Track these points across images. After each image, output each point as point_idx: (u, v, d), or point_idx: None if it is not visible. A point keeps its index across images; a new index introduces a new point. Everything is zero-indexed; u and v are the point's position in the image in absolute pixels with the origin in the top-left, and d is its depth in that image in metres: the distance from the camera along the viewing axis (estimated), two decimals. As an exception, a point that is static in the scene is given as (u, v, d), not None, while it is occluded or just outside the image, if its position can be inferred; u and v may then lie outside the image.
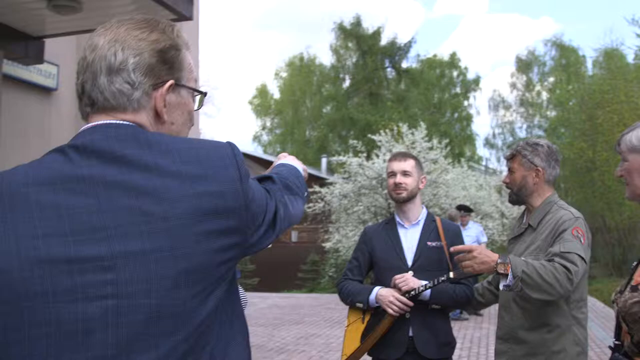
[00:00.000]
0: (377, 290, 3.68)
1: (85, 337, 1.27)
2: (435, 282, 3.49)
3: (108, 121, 1.42)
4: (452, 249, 3.30)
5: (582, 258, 3.08)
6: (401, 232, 3.84)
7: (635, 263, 2.48)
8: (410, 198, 3.83)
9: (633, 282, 2.35)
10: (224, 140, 1.49)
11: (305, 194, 1.90)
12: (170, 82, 1.47)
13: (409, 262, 3.73)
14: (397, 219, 3.89)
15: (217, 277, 1.38)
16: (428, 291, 3.59)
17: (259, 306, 15.03)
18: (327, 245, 24.15)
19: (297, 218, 1.75)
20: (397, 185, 3.79)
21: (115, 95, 1.43)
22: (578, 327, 3.28)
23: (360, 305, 3.73)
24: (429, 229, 3.82)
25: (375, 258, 3.85)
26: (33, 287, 1.26)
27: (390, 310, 3.56)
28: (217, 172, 1.38)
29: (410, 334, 3.65)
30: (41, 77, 8.78)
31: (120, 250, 1.29)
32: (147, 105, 1.45)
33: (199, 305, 1.34)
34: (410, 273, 3.65)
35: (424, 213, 3.90)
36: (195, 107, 1.59)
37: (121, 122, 1.42)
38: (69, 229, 1.29)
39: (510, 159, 3.53)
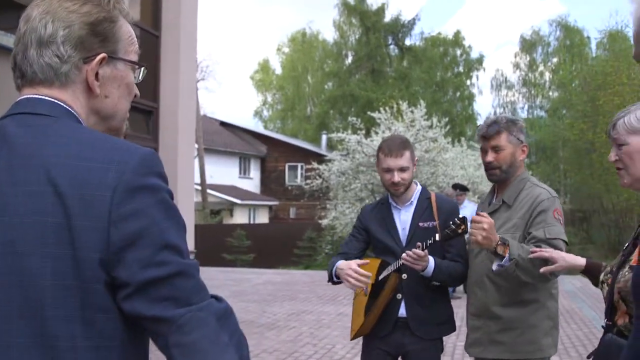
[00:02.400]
0: (337, 264, 3.54)
1: None
2: (424, 246, 3.40)
3: (31, 95, 1.40)
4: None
5: (565, 242, 3.15)
6: (395, 212, 3.76)
7: (628, 244, 2.45)
8: (407, 188, 3.74)
9: (632, 262, 2.31)
10: (148, 149, 1.36)
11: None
12: (102, 55, 1.42)
13: (403, 243, 3.65)
14: (390, 200, 3.80)
15: (71, 291, 1.24)
16: (431, 268, 3.48)
17: (254, 282, 15.05)
18: (324, 222, 24.18)
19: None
20: (395, 184, 3.64)
21: (43, 69, 1.40)
22: (552, 302, 3.33)
23: (328, 278, 3.70)
24: (422, 208, 3.72)
25: (372, 238, 3.80)
26: None
27: (348, 284, 3.47)
28: (92, 173, 1.27)
29: (401, 313, 3.61)
30: (33, 47, 8.72)
31: None
32: (76, 79, 1.41)
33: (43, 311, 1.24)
34: (404, 254, 3.47)
35: (417, 191, 3.78)
36: (137, 79, 1.55)
37: (44, 97, 1.39)
38: None
39: (493, 136, 3.39)
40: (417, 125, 22.50)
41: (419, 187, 3.82)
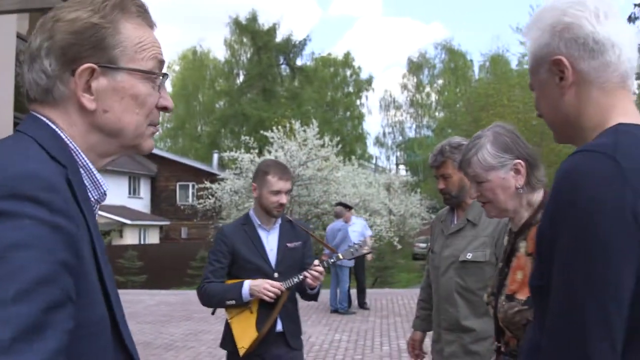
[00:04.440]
0: (249, 282, 3.73)
1: None
2: (326, 264, 3.79)
3: (33, 113, 1.31)
4: None
5: None
6: (262, 234, 3.92)
7: (502, 264, 2.49)
8: None
9: (507, 292, 2.36)
10: (29, 169, 1.12)
11: None
12: (86, 65, 1.26)
13: (273, 264, 3.85)
14: (258, 221, 3.94)
15: None
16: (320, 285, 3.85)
17: (147, 303, 14.76)
18: (218, 241, 24.00)
19: None
20: (282, 205, 3.85)
21: (32, 86, 1.29)
22: None
23: (231, 302, 3.77)
24: (286, 230, 3.98)
25: (239, 259, 3.88)
26: None
27: (266, 298, 3.68)
28: None
29: (278, 329, 3.82)
30: None
31: None
32: (64, 94, 1.28)
33: None
34: (276, 275, 3.80)
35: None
36: (156, 89, 1.38)
37: (34, 114, 1.30)
38: None
39: (440, 166, 3.54)
40: (309, 144, 22.79)
41: None
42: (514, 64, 35.38)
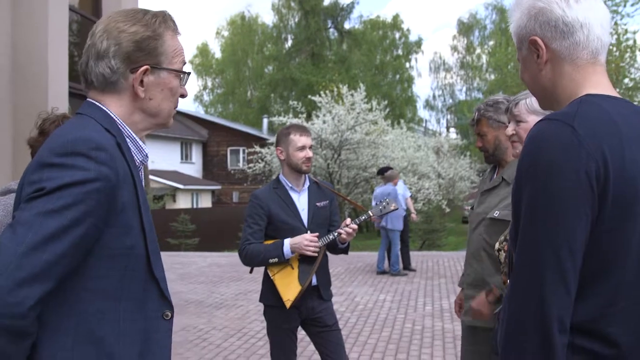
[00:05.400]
0: (289, 241, 4.01)
1: None
2: (358, 222, 4.09)
3: (88, 99, 1.79)
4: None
5: None
6: (294, 195, 4.17)
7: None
8: None
9: None
10: (84, 134, 1.61)
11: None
12: (145, 67, 1.75)
13: (305, 223, 4.12)
14: (289, 184, 4.18)
15: None
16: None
17: (199, 265, 15.19)
18: (268, 204, 24.36)
19: None
20: (308, 159, 4.11)
21: (98, 78, 1.76)
22: None
23: (274, 260, 4.02)
24: (314, 190, 4.24)
25: (274, 221, 4.10)
26: None
27: (309, 253, 3.98)
28: (40, 152, 1.60)
29: (312, 282, 4.10)
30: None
31: None
32: (123, 86, 1.76)
33: None
34: (308, 232, 4.07)
35: (306, 175, 4.28)
36: (183, 83, 1.88)
37: (92, 100, 1.78)
38: None
39: (475, 124, 3.56)
40: (357, 108, 22.87)
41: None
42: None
